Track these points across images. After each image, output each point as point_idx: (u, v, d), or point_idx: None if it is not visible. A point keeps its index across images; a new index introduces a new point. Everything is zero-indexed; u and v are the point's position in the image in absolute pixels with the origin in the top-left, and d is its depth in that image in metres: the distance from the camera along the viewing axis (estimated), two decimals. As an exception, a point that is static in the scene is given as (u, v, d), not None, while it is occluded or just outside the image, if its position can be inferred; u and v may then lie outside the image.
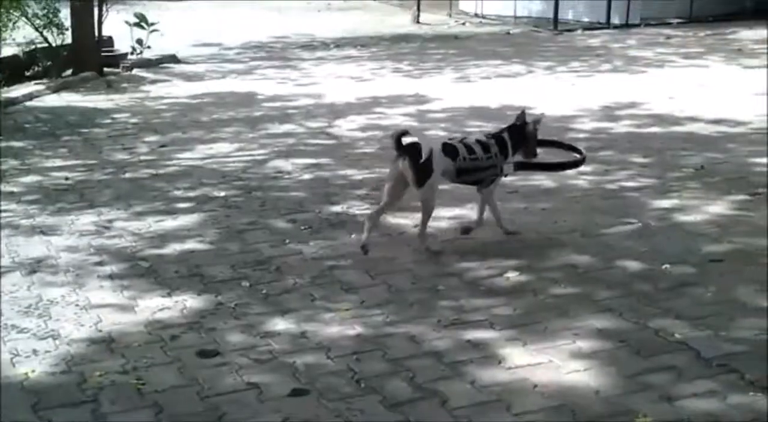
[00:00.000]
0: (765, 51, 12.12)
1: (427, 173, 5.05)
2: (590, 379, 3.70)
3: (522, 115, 5.42)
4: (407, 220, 5.79)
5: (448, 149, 5.17)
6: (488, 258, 5.13)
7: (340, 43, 13.77)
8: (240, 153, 7.59)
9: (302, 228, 5.72)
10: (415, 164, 5.02)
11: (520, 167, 5.47)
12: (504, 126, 5.45)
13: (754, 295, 4.54)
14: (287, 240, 5.49)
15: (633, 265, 4.98)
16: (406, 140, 5.09)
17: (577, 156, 5.82)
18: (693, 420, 3.38)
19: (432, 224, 5.67)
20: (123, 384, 3.76)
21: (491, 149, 5.24)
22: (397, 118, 8.76)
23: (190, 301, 4.61)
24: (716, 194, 6.12)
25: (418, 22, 15.78)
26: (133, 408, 3.57)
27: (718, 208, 5.88)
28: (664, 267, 4.93)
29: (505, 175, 5.39)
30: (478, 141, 5.27)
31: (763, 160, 6.78)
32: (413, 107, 9.23)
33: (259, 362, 3.93)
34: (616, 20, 15.07)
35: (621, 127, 8.16)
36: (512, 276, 4.88)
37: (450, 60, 12.16)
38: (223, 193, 6.48)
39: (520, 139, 5.36)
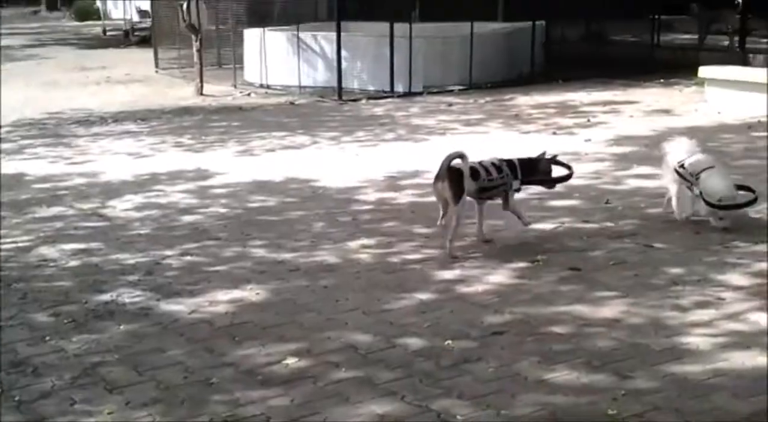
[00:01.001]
0: (540, 116, 12.53)
1: (461, 193, 6.13)
2: (369, 475, 3.49)
3: (542, 154, 6.59)
4: (181, 307, 5.47)
5: (473, 172, 6.19)
6: (267, 344, 4.88)
7: (118, 118, 13.27)
8: (1, 241, 7.03)
9: (65, 321, 5.28)
10: (453, 185, 6.08)
11: (524, 183, 6.50)
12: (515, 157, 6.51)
13: (535, 368, 4.48)
14: (48, 337, 5.05)
15: (415, 343, 4.85)
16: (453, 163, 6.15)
17: (567, 171, 6.74)
18: None
19: (209, 309, 5.43)
20: None
21: (503, 170, 6.31)
22: (176, 195, 8.41)
23: (-71, 416, 4.11)
24: (497, 263, 6.11)
25: (201, 93, 15.46)
26: None
27: (500, 277, 5.86)
28: (446, 343, 4.82)
29: (517, 190, 6.41)
30: (492, 164, 6.33)
31: (542, 226, 6.84)
32: (194, 183, 8.90)
33: (4, 483, 3.51)
34: (399, 88, 15.25)
35: (404, 197, 8.11)
36: (291, 362, 4.64)
37: (234, 132, 11.92)
38: (-22, 287, 5.95)
39: (531, 167, 6.47)
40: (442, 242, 6.41)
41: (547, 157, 6.61)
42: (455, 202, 6.14)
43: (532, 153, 6.72)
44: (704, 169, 6.59)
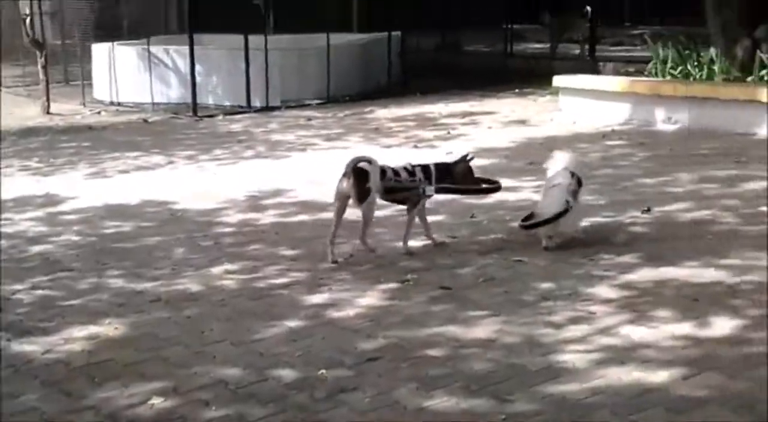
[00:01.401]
0: (400, 129, 12.49)
1: (366, 193, 6.12)
2: None
3: (464, 156, 6.58)
4: (34, 346, 5.12)
5: (381, 172, 6.22)
6: (130, 384, 4.59)
7: (-41, 142, 12.63)
8: None
9: None
10: (358, 184, 6.09)
11: (441, 190, 6.51)
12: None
13: (413, 395, 4.34)
14: None
15: (288, 374, 4.64)
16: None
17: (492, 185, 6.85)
18: None
19: (65, 347, 5.11)
20: None
21: (416, 174, 6.33)
22: (24, 223, 7.98)
23: None
24: (367, 284, 5.96)
25: (48, 112, 14.86)
26: None
27: (370, 299, 5.71)
28: (320, 372, 4.63)
29: (429, 196, 6.39)
30: (404, 168, 6.38)
31: (411, 243, 6.71)
32: (43, 210, 8.46)
33: None
34: (257, 103, 14.99)
35: (267, 218, 7.90)
36: (157, 402, 4.37)
37: (84, 153, 11.45)
38: None
39: (447, 171, 6.45)
40: (309, 264, 6.24)
41: (469, 158, 6.58)
42: (360, 202, 6.16)
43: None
44: (552, 186, 6.58)
